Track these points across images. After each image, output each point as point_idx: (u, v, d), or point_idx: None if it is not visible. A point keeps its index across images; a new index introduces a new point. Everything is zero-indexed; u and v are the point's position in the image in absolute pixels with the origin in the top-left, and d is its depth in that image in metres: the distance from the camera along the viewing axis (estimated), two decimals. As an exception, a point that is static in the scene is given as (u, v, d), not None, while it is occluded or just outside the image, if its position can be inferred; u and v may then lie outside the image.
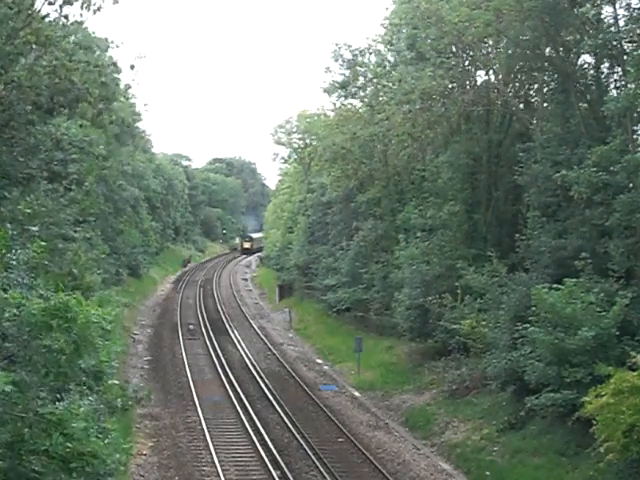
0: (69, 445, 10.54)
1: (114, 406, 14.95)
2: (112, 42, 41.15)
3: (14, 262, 11.94)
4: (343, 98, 51.39)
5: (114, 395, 15.01)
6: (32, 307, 10.74)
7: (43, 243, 12.77)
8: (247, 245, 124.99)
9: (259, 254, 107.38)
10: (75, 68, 22.67)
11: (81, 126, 29.18)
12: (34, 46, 22.50)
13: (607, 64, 28.25)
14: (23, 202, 16.20)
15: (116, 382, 15.43)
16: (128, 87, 41.54)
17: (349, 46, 49.08)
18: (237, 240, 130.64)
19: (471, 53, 36.16)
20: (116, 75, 32.89)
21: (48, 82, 22.40)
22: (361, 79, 49.41)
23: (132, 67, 27.00)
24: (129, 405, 21.26)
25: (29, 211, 15.52)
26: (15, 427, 10.54)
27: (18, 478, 10.58)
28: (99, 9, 22.93)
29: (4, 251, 11.83)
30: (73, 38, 25.90)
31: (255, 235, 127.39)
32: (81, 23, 23.19)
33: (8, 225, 11.76)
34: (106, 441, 11.59)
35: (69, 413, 10.70)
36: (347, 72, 49.54)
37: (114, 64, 30.55)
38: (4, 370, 10.32)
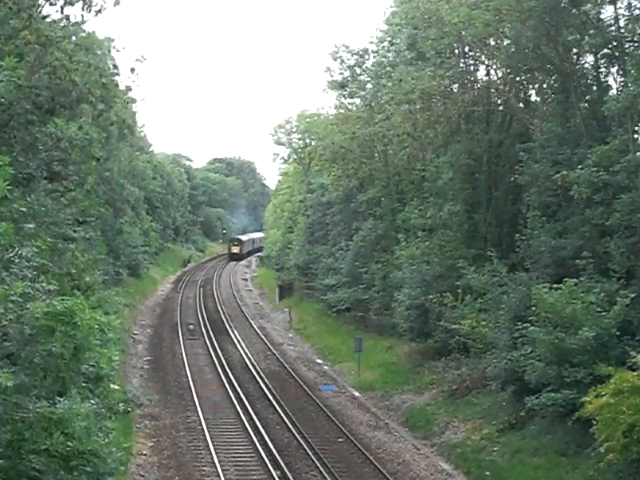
0: (70, 444, 10.52)
1: (115, 411, 14.95)
2: (113, 40, 41.13)
3: (16, 260, 11.91)
4: (343, 97, 51.45)
5: (115, 400, 15.00)
6: (35, 310, 10.71)
7: (49, 240, 12.76)
8: (235, 249, 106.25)
9: (259, 254, 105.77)
10: (75, 68, 22.65)
11: (80, 128, 29.17)
12: (35, 46, 22.51)
13: (607, 64, 28.24)
14: (18, 201, 16.18)
15: (117, 387, 15.42)
16: (129, 89, 41.52)
17: (347, 47, 49.18)
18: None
19: (471, 53, 36.17)
20: (116, 77, 32.87)
21: (48, 82, 22.40)
22: (361, 79, 49.46)
23: (132, 70, 26.98)
24: (130, 409, 21.34)
25: (24, 209, 15.49)
26: (15, 427, 10.53)
27: (19, 477, 10.57)
28: (100, 11, 22.95)
29: (7, 248, 11.81)
30: (74, 39, 25.90)
31: (246, 237, 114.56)
32: (81, 24, 23.21)
33: (4, 224, 11.71)
34: (106, 440, 11.58)
35: (70, 412, 10.69)
36: (347, 73, 49.62)
37: (114, 65, 30.58)
38: (4, 371, 10.29)
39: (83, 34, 31.41)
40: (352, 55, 48.99)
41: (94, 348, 11.56)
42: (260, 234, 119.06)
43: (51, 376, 11.10)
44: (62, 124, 25.49)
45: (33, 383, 10.87)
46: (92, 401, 12.21)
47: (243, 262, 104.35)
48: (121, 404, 15.33)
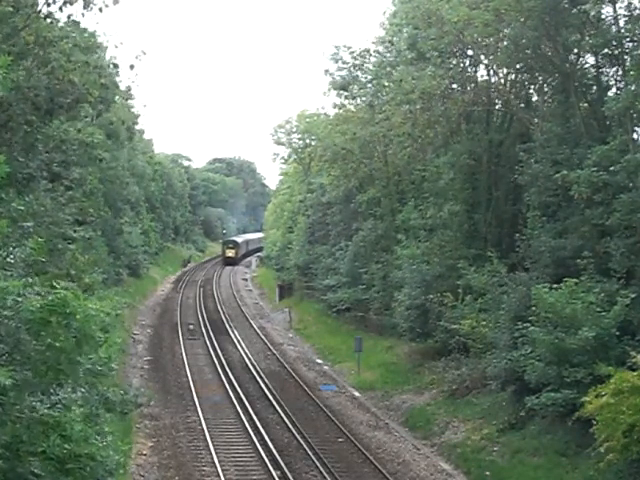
0: (66, 447, 10.49)
1: (113, 409, 14.93)
2: (108, 35, 40.98)
3: (11, 260, 11.89)
4: (344, 98, 51.48)
5: (113, 395, 14.99)
6: (30, 304, 10.68)
7: (40, 239, 12.75)
8: (230, 253, 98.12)
9: (258, 254, 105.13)
10: (73, 69, 22.66)
11: (79, 131, 29.23)
12: (34, 47, 22.51)
13: (607, 64, 28.23)
14: (16, 200, 16.17)
15: (116, 388, 15.38)
16: (128, 89, 41.60)
17: (348, 48, 49.25)
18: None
19: (471, 53, 36.16)
20: (116, 76, 32.90)
21: (47, 83, 22.40)
22: (361, 79, 49.48)
23: (132, 67, 27.03)
24: (129, 409, 21.25)
25: (22, 208, 15.48)
26: (14, 428, 10.51)
27: (17, 479, 10.55)
28: (101, 9, 22.97)
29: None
30: (72, 38, 25.89)
31: (241, 238, 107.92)
32: (79, 23, 23.23)
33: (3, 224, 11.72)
34: (104, 443, 11.55)
35: (67, 414, 10.67)
36: (347, 74, 49.66)
37: (114, 65, 30.56)
38: (2, 367, 10.28)
39: (83, 34, 31.39)
40: (352, 56, 49.03)
41: (95, 335, 11.50)
42: (256, 234, 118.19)
43: (52, 370, 11.07)
44: (64, 126, 25.52)
45: (32, 380, 10.84)
46: (90, 401, 12.19)
47: (243, 262, 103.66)
48: (119, 406, 15.31)
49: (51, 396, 11.10)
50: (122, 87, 39.75)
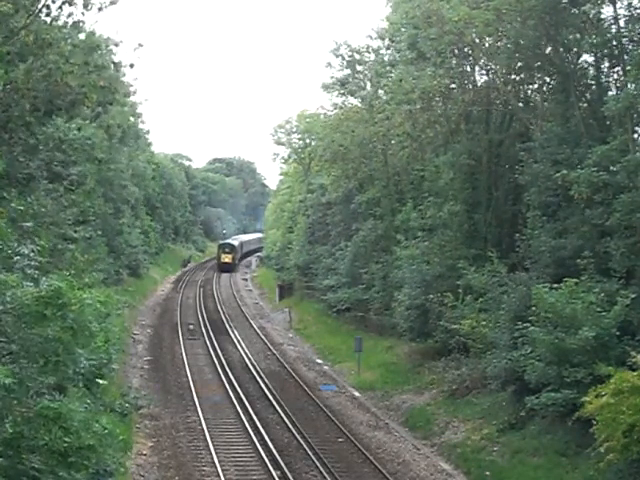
0: (67, 439, 10.50)
1: (113, 410, 14.97)
2: (108, 39, 41.04)
3: (15, 257, 11.92)
4: (343, 96, 51.58)
5: (113, 398, 15.03)
6: (25, 297, 10.69)
7: (42, 241, 12.77)
8: (227, 258, 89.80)
9: (258, 254, 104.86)
10: (70, 71, 22.64)
11: (80, 129, 29.22)
12: (34, 49, 22.49)
13: (607, 64, 28.23)
14: (16, 200, 16.20)
15: (116, 390, 15.42)
16: (129, 86, 41.55)
17: (349, 45, 49.32)
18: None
19: (471, 53, 36.15)
20: (117, 73, 32.87)
21: (45, 85, 22.38)
22: (361, 76, 49.61)
23: (132, 66, 27.01)
24: (129, 411, 21.32)
25: (22, 208, 15.52)
26: (15, 423, 10.53)
27: (18, 476, 10.56)
28: (101, 8, 22.96)
29: (5, 247, 11.80)
30: (72, 39, 25.88)
31: (238, 241, 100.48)
32: (79, 22, 23.20)
33: (3, 224, 11.74)
34: (106, 439, 11.57)
35: (67, 407, 10.68)
36: (347, 70, 49.80)
37: (114, 64, 30.54)
38: (2, 364, 10.29)
39: (84, 34, 31.42)
40: (352, 52, 49.17)
41: (89, 325, 11.48)
42: (254, 235, 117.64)
43: (51, 362, 11.07)
44: (63, 125, 25.49)
45: (31, 374, 10.85)
46: (88, 400, 12.20)
47: (243, 262, 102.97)
48: (119, 408, 15.36)
49: (52, 392, 11.12)
50: (123, 87, 39.78)
